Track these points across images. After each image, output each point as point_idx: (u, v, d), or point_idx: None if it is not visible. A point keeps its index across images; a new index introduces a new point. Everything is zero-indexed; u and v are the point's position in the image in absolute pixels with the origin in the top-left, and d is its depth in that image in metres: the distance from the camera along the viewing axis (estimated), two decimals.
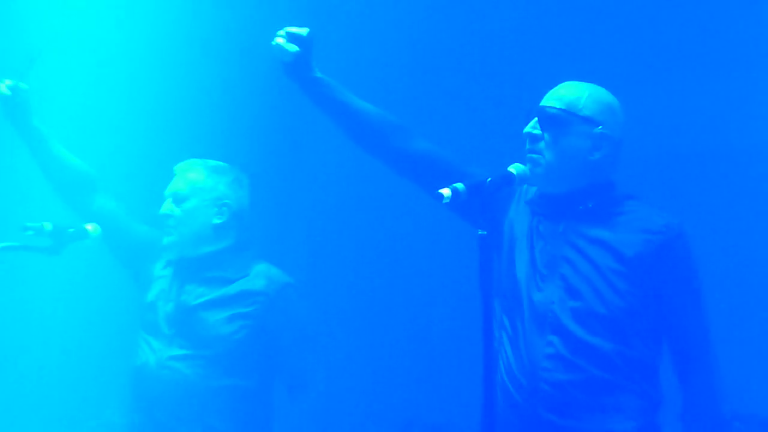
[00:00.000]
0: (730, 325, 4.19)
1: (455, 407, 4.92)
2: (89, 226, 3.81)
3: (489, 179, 3.04)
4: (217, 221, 4.14)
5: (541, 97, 3.45)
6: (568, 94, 3.41)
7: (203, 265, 4.13)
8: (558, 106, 3.38)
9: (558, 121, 3.37)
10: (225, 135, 5.18)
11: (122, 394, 4.29)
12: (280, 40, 3.54)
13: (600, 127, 3.37)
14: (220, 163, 4.22)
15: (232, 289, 4.11)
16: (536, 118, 3.40)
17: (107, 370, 4.81)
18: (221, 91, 5.38)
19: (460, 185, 2.97)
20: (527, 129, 3.40)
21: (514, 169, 3.15)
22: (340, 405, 4.66)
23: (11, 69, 4.25)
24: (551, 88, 3.47)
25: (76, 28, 5.28)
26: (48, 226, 3.72)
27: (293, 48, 3.52)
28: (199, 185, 4.15)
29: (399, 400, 5.39)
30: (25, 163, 4.35)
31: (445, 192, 2.95)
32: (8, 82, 4.18)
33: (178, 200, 4.14)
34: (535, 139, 3.38)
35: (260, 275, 4.13)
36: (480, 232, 2.93)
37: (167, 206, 4.15)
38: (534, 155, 3.38)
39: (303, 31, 3.54)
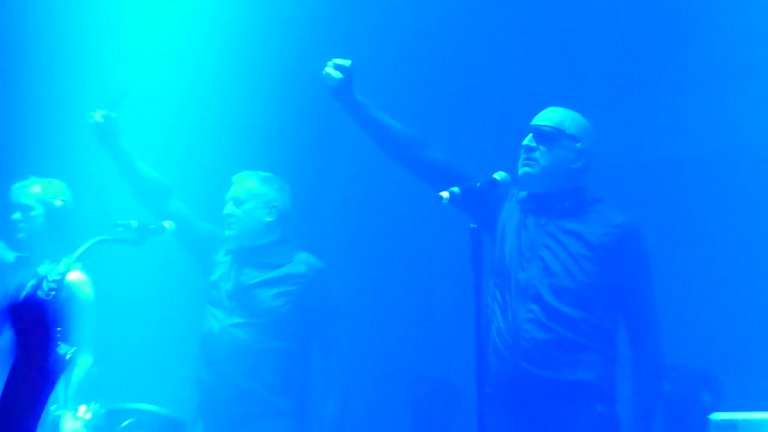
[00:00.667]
0: (672, 299, 4.60)
1: (455, 363, 5.36)
2: (166, 223, 4.17)
3: (478, 184, 3.44)
4: (268, 219, 4.55)
5: (531, 116, 3.86)
6: (555, 116, 3.83)
7: (257, 253, 4.54)
8: (550, 124, 3.80)
9: (549, 137, 3.78)
10: (271, 151, 5.50)
11: (194, 353, 4.67)
12: (328, 69, 3.85)
13: (580, 143, 3.81)
14: (269, 173, 4.62)
15: (280, 272, 4.53)
16: (531, 134, 3.80)
17: (182, 335, 5.06)
18: (268, 116, 5.74)
19: (456, 189, 3.36)
20: (525, 142, 3.79)
21: (498, 176, 3.52)
22: (361, 363, 4.94)
23: (104, 101, 4.60)
24: (539, 107, 3.89)
25: (149, 65, 5.61)
26: (134, 223, 4.06)
27: (338, 75, 3.84)
28: (253, 191, 4.54)
29: (409, 358, 5.81)
30: (114, 175, 4.71)
31: (444, 194, 3.33)
32: (102, 111, 4.53)
33: (238, 203, 4.54)
34: (530, 150, 3.78)
35: (302, 262, 4.55)
36: (472, 226, 3.33)
37: (229, 208, 4.55)
38: (531, 162, 3.78)
39: (346, 62, 3.85)
